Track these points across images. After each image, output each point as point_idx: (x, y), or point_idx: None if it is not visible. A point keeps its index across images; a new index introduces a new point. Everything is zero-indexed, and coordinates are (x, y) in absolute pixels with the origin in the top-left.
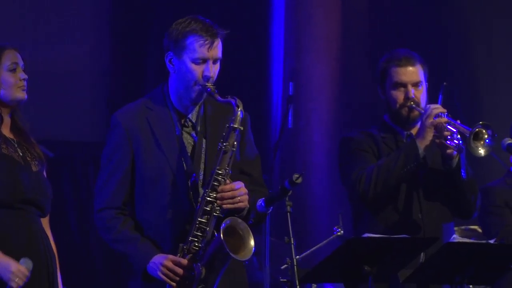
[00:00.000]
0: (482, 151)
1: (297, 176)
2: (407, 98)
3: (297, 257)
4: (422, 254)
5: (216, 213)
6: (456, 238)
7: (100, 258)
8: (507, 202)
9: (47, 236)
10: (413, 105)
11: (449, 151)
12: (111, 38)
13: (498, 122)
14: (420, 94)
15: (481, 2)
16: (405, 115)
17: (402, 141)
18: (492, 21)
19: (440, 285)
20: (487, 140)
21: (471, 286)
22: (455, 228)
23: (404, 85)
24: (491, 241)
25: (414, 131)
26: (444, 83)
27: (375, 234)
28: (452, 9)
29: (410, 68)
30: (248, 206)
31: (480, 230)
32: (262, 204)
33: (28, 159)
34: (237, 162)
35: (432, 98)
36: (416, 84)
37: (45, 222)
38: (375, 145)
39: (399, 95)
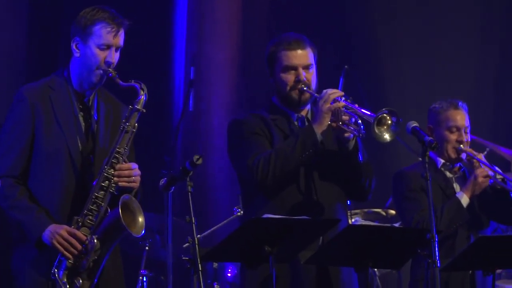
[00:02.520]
0: (387, 136)
1: (198, 157)
2: (298, 80)
3: (199, 236)
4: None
5: (111, 189)
6: (359, 220)
7: None
8: (423, 187)
9: None
10: (304, 88)
11: (346, 134)
12: (28, 25)
13: (403, 106)
14: (311, 76)
15: None
16: (296, 98)
17: (294, 123)
18: (396, 4)
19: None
20: (391, 126)
21: (376, 269)
22: (358, 211)
23: (294, 68)
24: (396, 225)
25: (304, 113)
26: (346, 66)
27: (272, 214)
28: None
29: (300, 51)
30: (138, 187)
31: (384, 213)
32: (165, 183)
33: None
34: None
35: (333, 81)
36: (306, 67)
37: None
38: (266, 127)
39: (290, 78)
